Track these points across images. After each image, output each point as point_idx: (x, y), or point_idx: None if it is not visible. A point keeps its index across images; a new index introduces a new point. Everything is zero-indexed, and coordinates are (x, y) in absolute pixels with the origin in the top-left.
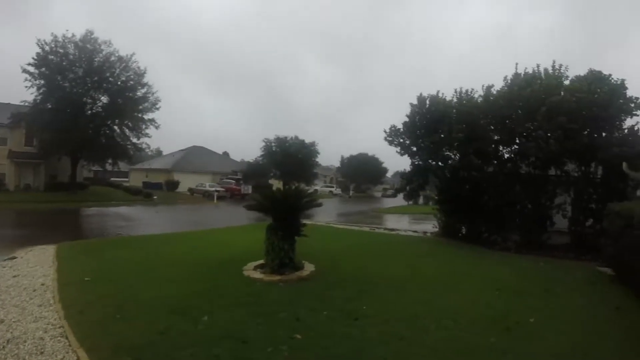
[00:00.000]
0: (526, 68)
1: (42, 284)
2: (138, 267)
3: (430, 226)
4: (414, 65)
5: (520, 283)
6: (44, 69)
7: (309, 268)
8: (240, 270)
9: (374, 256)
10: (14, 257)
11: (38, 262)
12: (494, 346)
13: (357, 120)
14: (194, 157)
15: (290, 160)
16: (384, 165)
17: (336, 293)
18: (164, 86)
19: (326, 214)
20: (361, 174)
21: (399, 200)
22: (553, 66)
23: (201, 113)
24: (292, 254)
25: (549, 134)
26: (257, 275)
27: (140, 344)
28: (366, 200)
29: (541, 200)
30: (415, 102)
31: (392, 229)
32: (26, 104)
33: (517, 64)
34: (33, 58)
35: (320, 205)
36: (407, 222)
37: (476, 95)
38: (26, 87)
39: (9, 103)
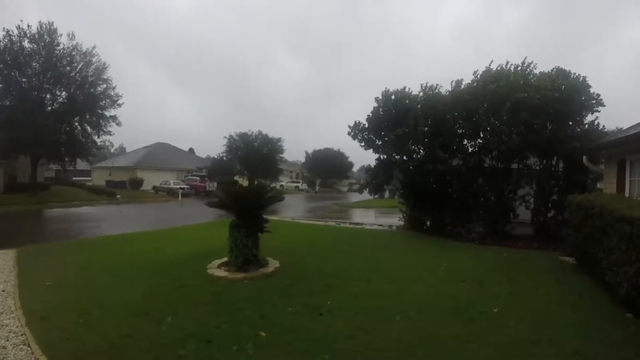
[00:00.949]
0: (493, 63)
1: (3, 290)
2: (101, 269)
3: (395, 220)
4: (388, 60)
5: (484, 273)
6: (0, 65)
7: (273, 264)
8: (204, 269)
9: (340, 251)
10: None
11: None
12: (459, 336)
13: (327, 116)
14: (159, 154)
15: (254, 156)
16: (350, 159)
17: (301, 288)
18: (127, 81)
19: (292, 210)
20: (327, 169)
21: (365, 195)
22: (523, 62)
23: (166, 109)
24: (256, 251)
25: (512, 129)
26: (221, 273)
27: (103, 348)
28: (332, 195)
29: (504, 192)
30: (380, 96)
31: (358, 223)
32: None
33: (491, 60)
34: None
35: (282, 200)
36: (372, 216)
37: (443, 91)
38: None
39: None
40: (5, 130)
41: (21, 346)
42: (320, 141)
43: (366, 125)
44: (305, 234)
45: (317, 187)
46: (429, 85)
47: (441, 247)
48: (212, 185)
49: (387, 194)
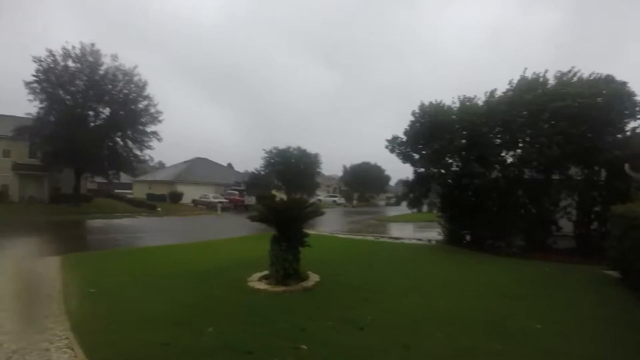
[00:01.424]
0: (528, 71)
1: (48, 295)
2: (143, 278)
3: (434, 234)
4: (418, 69)
5: (524, 288)
6: (45, 83)
7: (313, 278)
8: (245, 282)
9: (379, 265)
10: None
11: (43, 274)
12: (498, 352)
13: (361, 127)
14: (198, 169)
15: (292, 170)
16: (387, 173)
17: (340, 302)
18: (166, 98)
19: (330, 224)
20: (364, 182)
21: (403, 209)
22: (560, 72)
23: (203, 125)
24: (297, 265)
25: (551, 139)
26: (262, 286)
27: (144, 355)
28: (369, 209)
29: (545, 204)
30: (417, 109)
31: (396, 238)
32: (30, 116)
33: (525, 68)
34: (32, 75)
35: (322, 214)
36: (411, 231)
37: (480, 102)
38: (29, 100)
39: (13, 115)
40: (50, 145)
41: (64, 349)
42: (356, 154)
43: (404, 139)
44: (344, 248)
45: (354, 201)
46: (464, 96)
47: (480, 261)
48: (250, 199)
49: (425, 208)
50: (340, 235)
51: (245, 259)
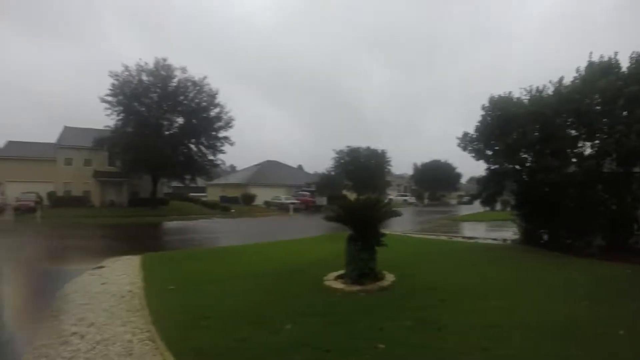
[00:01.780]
0: (602, 56)
1: (129, 291)
2: (220, 277)
3: (509, 233)
4: (483, 60)
5: (605, 292)
6: (121, 97)
7: (389, 278)
8: (320, 281)
9: (454, 265)
10: (102, 267)
11: (124, 271)
12: (579, 357)
13: (428, 124)
14: (268, 171)
15: (362, 170)
16: (458, 170)
17: (416, 303)
18: (234, 103)
19: (402, 223)
20: (435, 181)
21: (475, 207)
22: (636, 52)
23: (273, 128)
24: (373, 264)
25: (629, 128)
26: (338, 285)
27: (222, 350)
28: (441, 208)
29: (626, 200)
30: (486, 103)
31: (470, 237)
32: (108, 128)
33: (591, 52)
34: (109, 89)
35: (399, 214)
36: (484, 230)
37: (549, 92)
38: (106, 114)
39: (91, 128)
40: (128, 154)
41: (146, 341)
42: (426, 152)
43: (474, 135)
44: (418, 248)
45: (425, 200)
46: (533, 87)
47: (557, 262)
48: (321, 200)
49: (498, 206)
50: (413, 235)
51: (319, 259)
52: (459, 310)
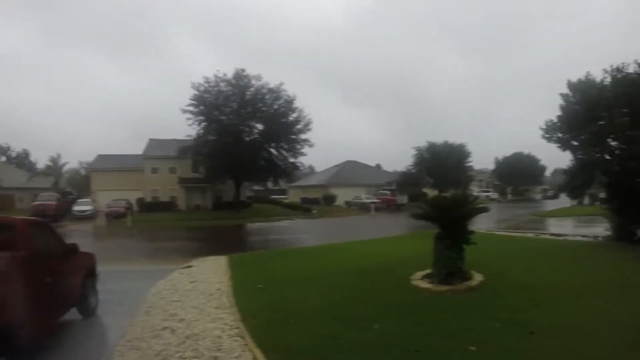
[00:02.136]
0: None
1: (218, 289)
2: (304, 275)
3: (600, 229)
4: (566, 42)
5: None
6: (202, 107)
7: (477, 277)
8: (406, 280)
9: (543, 264)
10: (191, 266)
11: (212, 271)
12: None
13: (509, 114)
14: (348, 171)
15: (442, 166)
16: (542, 163)
17: (506, 303)
18: (310, 105)
19: (485, 221)
20: (517, 175)
21: (561, 202)
22: None
23: (350, 128)
24: (461, 263)
25: None
26: (425, 284)
27: (312, 348)
28: (525, 203)
29: None
30: (565, 90)
31: (558, 234)
32: (190, 137)
33: None
34: (190, 100)
35: (487, 210)
36: (573, 226)
37: (631, 69)
38: (188, 124)
39: (174, 138)
40: (211, 161)
41: (235, 337)
42: (507, 144)
43: (557, 124)
44: (504, 246)
45: (508, 196)
46: (614, 67)
47: None
48: (402, 199)
49: (586, 200)
50: (497, 233)
51: (403, 258)
52: (551, 311)
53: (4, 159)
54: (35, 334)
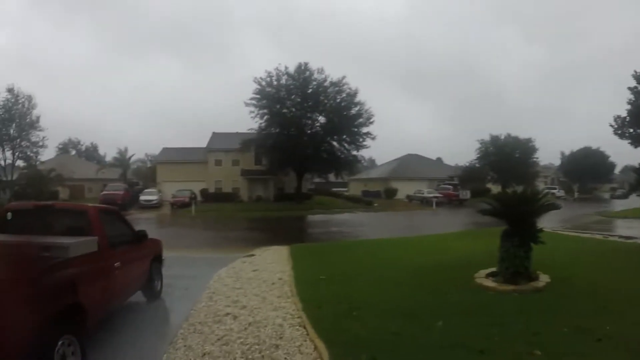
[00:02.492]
0: None
1: (280, 279)
2: (365, 269)
3: None
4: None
5: None
6: (264, 101)
7: (543, 279)
8: (470, 278)
9: (612, 268)
10: (253, 255)
11: (274, 260)
12: None
13: (577, 106)
14: (409, 165)
15: (506, 161)
16: (611, 160)
17: (573, 308)
18: (371, 97)
19: (550, 219)
20: (585, 172)
21: (632, 202)
22: None
23: (411, 120)
24: (527, 263)
25: None
26: (489, 283)
27: (374, 343)
28: (592, 202)
29: None
30: (634, 82)
31: (628, 237)
32: (253, 130)
33: None
34: (253, 93)
35: (558, 207)
36: None
37: None
38: (251, 117)
39: (236, 132)
40: (274, 153)
41: (297, 327)
42: (574, 138)
43: (627, 119)
44: (571, 247)
45: (575, 194)
46: None
47: None
48: (464, 194)
49: None
50: (562, 232)
51: (467, 255)
52: (620, 319)
53: (74, 152)
54: (102, 314)
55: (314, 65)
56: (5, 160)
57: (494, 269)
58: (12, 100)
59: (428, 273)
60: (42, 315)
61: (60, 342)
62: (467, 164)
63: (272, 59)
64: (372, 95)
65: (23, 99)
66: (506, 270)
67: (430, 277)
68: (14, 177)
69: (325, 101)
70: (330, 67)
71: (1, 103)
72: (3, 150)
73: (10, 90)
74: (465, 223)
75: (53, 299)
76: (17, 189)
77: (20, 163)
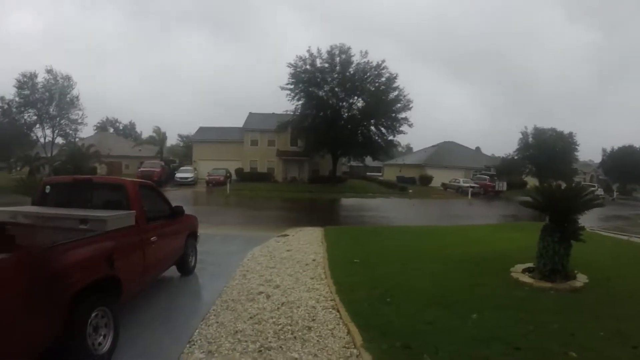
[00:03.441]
0: None
1: (313, 260)
2: (399, 256)
3: None
4: None
5: None
6: (300, 84)
7: (581, 278)
8: (506, 272)
9: None
10: (287, 235)
11: (308, 241)
12: None
13: (624, 97)
14: (445, 153)
15: (546, 155)
16: None
17: (613, 311)
18: (409, 81)
19: (587, 219)
20: (626, 171)
21: None
22: None
23: (449, 106)
24: (566, 261)
25: None
26: (526, 279)
27: (407, 331)
28: (631, 203)
29: None
30: None
31: None
32: (289, 112)
33: None
34: (289, 77)
35: (602, 205)
36: None
37: None
38: (287, 99)
39: (273, 113)
40: (309, 135)
41: (330, 310)
42: (620, 135)
43: None
44: (610, 249)
45: (615, 193)
46: None
47: None
48: (501, 185)
49: None
50: (601, 233)
51: (503, 248)
52: None
53: (112, 130)
54: (136, 288)
55: (354, 46)
56: (45, 138)
57: (530, 265)
58: (52, 80)
59: (463, 264)
60: (78, 286)
61: (94, 314)
62: (506, 155)
63: (311, 40)
64: (411, 79)
65: (62, 79)
66: (544, 266)
67: (465, 268)
68: (53, 153)
69: (364, 85)
70: (368, 48)
71: (41, 83)
72: (43, 128)
73: (49, 71)
74: (502, 215)
75: (89, 271)
76: (57, 165)
77: (59, 140)
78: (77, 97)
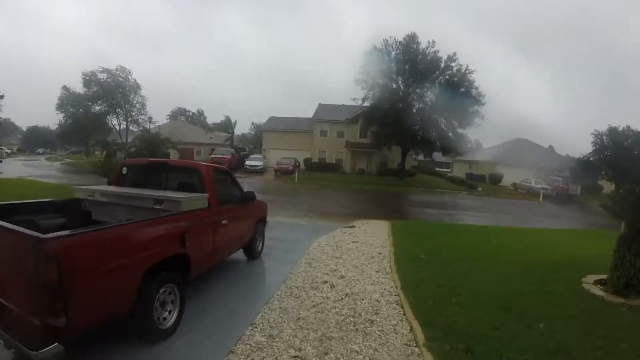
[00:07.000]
0: None
1: (379, 253)
2: (467, 254)
3: None
4: None
5: None
6: (372, 77)
7: None
8: (577, 281)
9: None
10: (353, 226)
11: (374, 234)
12: None
13: None
14: (517, 151)
15: (624, 157)
16: None
17: None
18: (479, 72)
19: None
20: None
21: None
22: None
23: (522, 101)
24: None
25: None
26: (597, 291)
27: (472, 333)
28: None
29: None
30: None
31: None
32: (358, 102)
33: None
34: (359, 69)
35: None
36: None
37: None
38: (361, 89)
39: (342, 104)
40: (379, 127)
41: (394, 305)
42: None
43: None
44: None
45: None
46: None
47: None
48: (574, 189)
49: None
50: None
51: (576, 256)
52: None
53: (183, 118)
54: (204, 268)
55: (425, 33)
56: (120, 125)
57: (603, 276)
58: (110, 77)
59: (533, 269)
60: (151, 261)
61: (162, 290)
62: (581, 157)
63: (379, 28)
64: (483, 70)
65: (119, 71)
66: (617, 279)
67: (535, 274)
68: (128, 140)
69: (436, 78)
70: (439, 37)
71: (102, 79)
72: (117, 116)
73: (118, 66)
74: (574, 221)
75: (162, 248)
76: (133, 151)
77: (133, 128)
78: (138, 86)
